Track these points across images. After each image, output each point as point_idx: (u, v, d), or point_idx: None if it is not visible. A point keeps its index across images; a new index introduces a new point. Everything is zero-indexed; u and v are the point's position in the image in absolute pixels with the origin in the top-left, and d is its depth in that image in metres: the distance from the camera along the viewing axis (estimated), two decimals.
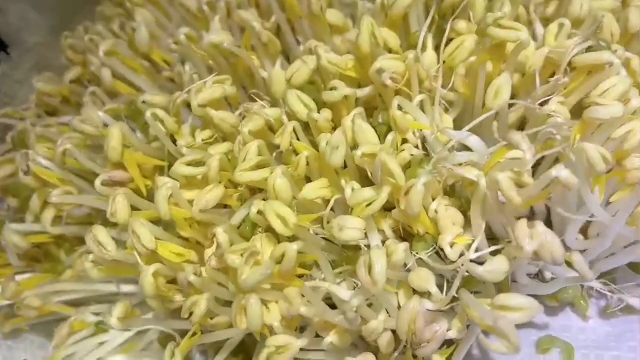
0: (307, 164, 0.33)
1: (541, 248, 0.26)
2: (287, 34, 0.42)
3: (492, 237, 0.32)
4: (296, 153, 0.34)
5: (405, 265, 0.30)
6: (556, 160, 0.32)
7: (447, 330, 0.29)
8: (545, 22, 0.37)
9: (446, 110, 0.35)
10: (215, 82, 0.37)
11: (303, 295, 0.30)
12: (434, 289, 0.29)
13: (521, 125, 0.35)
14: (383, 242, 0.31)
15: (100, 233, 0.33)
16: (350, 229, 0.29)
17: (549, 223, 0.33)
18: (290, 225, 0.29)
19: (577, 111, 0.32)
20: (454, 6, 0.37)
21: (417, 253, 0.31)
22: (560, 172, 0.26)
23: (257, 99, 0.37)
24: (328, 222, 0.31)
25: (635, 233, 0.31)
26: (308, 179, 0.34)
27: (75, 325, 0.37)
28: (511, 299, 0.26)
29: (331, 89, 0.34)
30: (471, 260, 0.28)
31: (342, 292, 0.30)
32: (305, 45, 0.38)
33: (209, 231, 0.32)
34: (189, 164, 0.33)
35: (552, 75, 0.33)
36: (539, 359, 0.34)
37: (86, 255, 0.34)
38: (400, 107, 0.33)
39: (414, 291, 0.30)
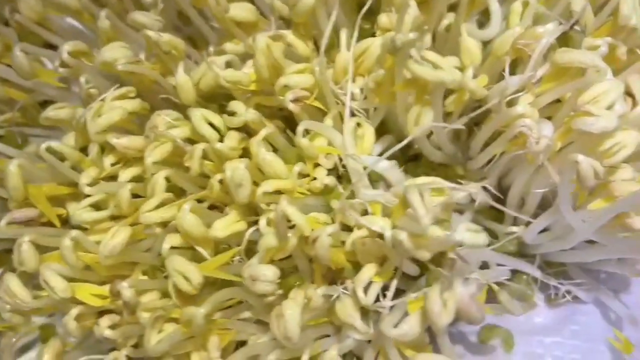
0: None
1: (459, 313, 0.26)
2: (195, 18, 0.38)
3: None
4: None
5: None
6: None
7: None
8: None
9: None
10: (116, 98, 0.34)
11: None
12: (358, 323, 0.29)
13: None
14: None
15: (13, 283, 0.32)
16: (262, 282, 0.29)
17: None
18: (195, 285, 0.29)
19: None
20: None
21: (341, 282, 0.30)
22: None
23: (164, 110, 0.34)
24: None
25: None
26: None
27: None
28: None
29: (232, 112, 0.32)
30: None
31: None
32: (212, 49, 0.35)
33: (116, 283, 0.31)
34: (93, 205, 0.32)
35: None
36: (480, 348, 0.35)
37: (2, 305, 0.33)
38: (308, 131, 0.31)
39: None
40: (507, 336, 0.35)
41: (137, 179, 0.34)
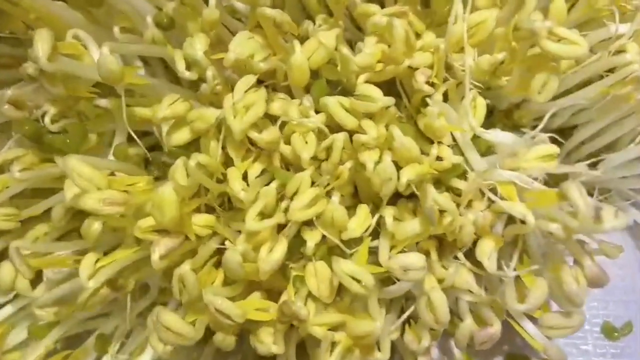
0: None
1: (591, 284, 0.30)
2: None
3: None
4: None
5: None
6: None
7: None
8: None
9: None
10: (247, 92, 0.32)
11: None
12: (475, 287, 0.33)
13: None
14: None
15: (171, 319, 0.32)
16: (414, 270, 0.30)
17: None
18: (369, 286, 0.31)
19: None
20: None
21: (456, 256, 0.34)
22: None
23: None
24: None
25: None
26: None
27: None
28: (557, 320, 0.32)
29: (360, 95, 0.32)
30: None
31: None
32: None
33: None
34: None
35: None
36: None
37: (157, 344, 0.33)
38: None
39: None
40: None
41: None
